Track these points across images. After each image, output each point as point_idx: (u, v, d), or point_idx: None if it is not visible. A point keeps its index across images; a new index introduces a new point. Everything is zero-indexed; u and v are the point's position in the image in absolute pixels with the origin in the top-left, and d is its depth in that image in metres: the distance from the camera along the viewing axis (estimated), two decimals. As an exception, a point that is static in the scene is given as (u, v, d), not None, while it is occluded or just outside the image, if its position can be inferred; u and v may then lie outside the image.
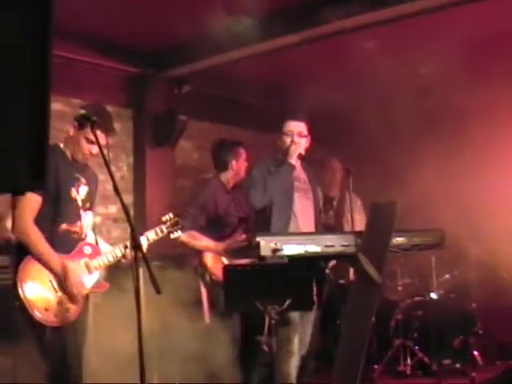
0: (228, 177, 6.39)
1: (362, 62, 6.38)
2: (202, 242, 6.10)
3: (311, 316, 5.78)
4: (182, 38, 6.91)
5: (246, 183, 5.86)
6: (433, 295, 7.70)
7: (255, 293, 4.81)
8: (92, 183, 4.74)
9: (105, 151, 4.18)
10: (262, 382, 6.15)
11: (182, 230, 5.31)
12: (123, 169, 7.53)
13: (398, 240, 4.84)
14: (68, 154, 4.57)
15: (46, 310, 4.25)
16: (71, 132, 4.52)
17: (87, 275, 4.53)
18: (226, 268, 4.87)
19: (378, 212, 4.72)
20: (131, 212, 6.86)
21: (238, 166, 6.41)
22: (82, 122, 4.46)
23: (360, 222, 6.39)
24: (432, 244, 5.26)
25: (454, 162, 6.78)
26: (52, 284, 4.32)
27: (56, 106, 6.67)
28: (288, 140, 5.73)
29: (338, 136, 8.25)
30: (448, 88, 6.79)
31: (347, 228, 6.91)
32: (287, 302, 4.83)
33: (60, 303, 4.33)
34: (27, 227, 4.27)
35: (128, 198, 7.30)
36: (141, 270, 3.88)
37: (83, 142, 4.48)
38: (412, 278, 7.90)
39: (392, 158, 7.02)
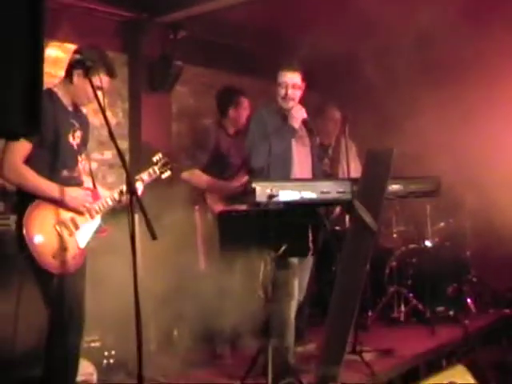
0: (227, 123, 6.57)
1: (361, 8, 6.29)
2: (204, 179, 6.29)
3: (309, 262, 5.80)
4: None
5: (247, 141, 5.78)
6: (427, 243, 7.74)
7: (250, 238, 4.83)
8: (85, 128, 4.72)
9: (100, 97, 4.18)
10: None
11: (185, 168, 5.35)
12: (119, 115, 7.48)
13: (394, 187, 4.86)
14: (64, 99, 4.52)
15: (53, 257, 4.27)
16: (75, 78, 4.45)
17: (89, 220, 4.54)
18: (220, 214, 4.87)
19: (374, 159, 4.72)
20: (127, 158, 6.83)
21: (236, 113, 6.69)
22: (86, 68, 4.40)
23: (355, 169, 6.41)
24: (428, 191, 5.28)
25: (453, 111, 6.74)
26: (57, 231, 4.32)
27: (50, 51, 6.59)
28: (282, 92, 5.68)
29: (336, 83, 8.20)
30: (449, 36, 6.72)
31: (342, 175, 6.90)
32: (283, 248, 4.86)
33: (66, 250, 4.34)
34: (18, 168, 4.24)
35: (123, 144, 7.27)
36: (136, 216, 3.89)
37: (89, 88, 4.42)
38: (407, 225, 7.92)
39: (391, 105, 6.99)
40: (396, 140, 5.59)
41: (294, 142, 5.72)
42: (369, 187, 4.60)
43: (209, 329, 6.04)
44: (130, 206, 3.82)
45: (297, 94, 5.69)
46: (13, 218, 5.18)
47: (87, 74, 4.29)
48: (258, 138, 5.61)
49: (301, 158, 5.76)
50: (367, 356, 5.75)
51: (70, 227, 4.40)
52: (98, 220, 4.61)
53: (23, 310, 4.81)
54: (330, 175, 6.91)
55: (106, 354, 5.49)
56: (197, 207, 6.56)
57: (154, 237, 3.70)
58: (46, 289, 4.34)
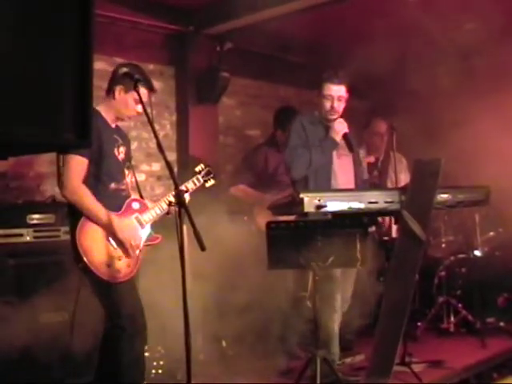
0: (279, 140, 6.60)
1: (406, 18, 6.27)
2: (250, 193, 6.35)
3: (352, 273, 5.79)
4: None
5: (287, 152, 5.79)
6: (477, 253, 7.64)
7: (298, 249, 4.84)
8: (127, 143, 4.86)
9: (148, 110, 4.26)
10: (305, 338, 6.21)
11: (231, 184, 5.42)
12: (166, 127, 7.55)
13: (443, 197, 4.81)
14: (106, 116, 4.66)
15: (108, 266, 4.38)
16: (116, 94, 4.56)
17: (140, 229, 4.62)
18: (269, 225, 4.88)
19: (422, 169, 4.69)
20: (175, 169, 6.89)
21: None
22: (127, 83, 4.53)
23: (405, 181, 6.38)
24: (476, 201, 5.22)
25: (502, 119, 6.66)
26: (109, 241, 4.44)
27: (99, 64, 6.68)
28: (328, 105, 5.68)
29: (383, 94, 8.17)
30: (494, 44, 6.67)
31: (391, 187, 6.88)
32: (331, 259, 4.85)
33: (120, 258, 4.46)
34: (77, 187, 4.38)
35: (171, 156, 7.33)
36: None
37: (132, 103, 4.55)
38: (456, 235, 7.83)
39: (438, 114, 6.95)
40: (444, 148, 5.55)
41: (335, 154, 5.72)
42: (417, 197, 4.57)
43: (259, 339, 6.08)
44: (178, 217, 3.85)
45: (341, 106, 5.69)
46: (63, 229, 5.30)
47: (135, 86, 4.38)
48: (299, 148, 5.62)
49: (342, 170, 5.76)
50: (416, 367, 5.70)
51: None
52: (148, 229, 4.68)
53: (80, 318, 4.91)
54: (379, 186, 6.90)
55: (154, 364, 5.52)
56: (246, 218, 6.62)
57: (202, 248, 3.72)
58: (104, 298, 4.45)
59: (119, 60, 6.80)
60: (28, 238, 5.26)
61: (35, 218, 5.32)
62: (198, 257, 4.00)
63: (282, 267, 5.18)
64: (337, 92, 5.65)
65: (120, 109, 4.63)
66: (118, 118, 4.72)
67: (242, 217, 6.69)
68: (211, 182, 5.21)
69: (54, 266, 5.11)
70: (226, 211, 6.12)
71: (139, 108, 4.60)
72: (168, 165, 3.99)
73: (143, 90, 4.58)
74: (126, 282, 4.47)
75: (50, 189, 6.10)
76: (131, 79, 4.45)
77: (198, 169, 5.14)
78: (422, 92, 6.76)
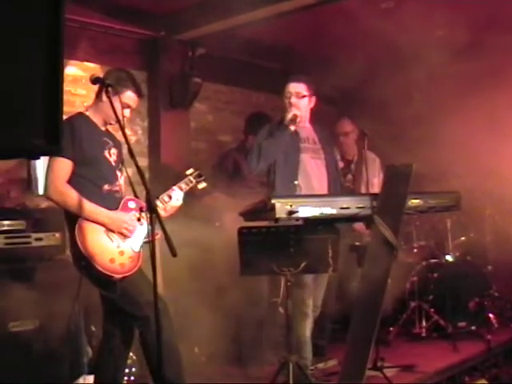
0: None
1: (377, 23, 6.30)
2: (223, 200, 6.34)
3: (324, 278, 5.80)
4: (195, 0, 6.88)
5: (251, 147, 5.89)
6: (448, 257, 7.70)
7: (270, 255, 4.83)
8: (118, 146, 4.85)
9: (120, 115, 4.26)
10: (277, 344, 6.22)
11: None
12: (138, 132, 7.52)
13: (414, 202, 4.83)
14: (95, 119, 4.68)
15: (111, 262, 4.37)
16: (104, 97, 4.52)
17: (139, 226, 4.62)
18: (240, 230, 4.87)
19: (393, 174, 4.71)
20: (146, 175, 6.87)
21: None
22: (117, 88, 4.54)
23: (379, 184, 6.42)
24: (448, 206, 5.25)
25: (473, 125, 6.70)
26: (109, 237, 4.46)
27: (70, 70, 6.65)
28: (286, 101, 5.74)
29: (354, 99, 8.21)
30: (462, 50, 6.73)
31: (365, 190, 6.91)
32: (303, 265, 4.86)
33: (122, 253, 4.46)
34: (61, 188, 4.40)
35: (143, 162, 7.31)
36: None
37: (118, 106, 4.53)
38: (427, 240, 7.88)
39: (409, 120, 6.97)
40: (415, 155, 5.58)
41: (307, 156, 5.73)
42: (389, 202, 4.59)
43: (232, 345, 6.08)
44: (150, 223, 3.84)
45: (300, 102, 5.73)
46: (34, 235, 5.27)
47: (106, 91, 4.37)
48: (256, 144, 5.67)
49: (315, 171, 5.77)
50: (389, 372, 5.72)
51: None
52: (146, 225, 4.66)
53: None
54: (353, 190, 6.92)
55: (126, 371, 5.49)
56: (217, 224, 6.61)
57: (174, 254, 3.71)
58: (109, 293, 4.45)
59: (91, 65, 6.79)
60: (-2, 245, 5.22)
61: (5, 224, 5.28)
62: (170, 262, 4.00)
63: (253, 273, 5.18)
64: (294, 88, 5.72)
65: (107, 112, 4.60)
66: (106, 122, 4.72)
67: (214, 223, 6.69)
68: (203, 185, 5.21)
69: (25, 272, 5.07)
70: (199, 217, 6.12)
71: (126, 112, 4.66)
72: (139, 170, 3.97)
73: (131, 94, 4.66)
74: (131, 276, 4.46)
75: (20, 195, 6.05)
76: (102, 84, 4.42)
77: (189, 172, 5.14)
78: (391, 98, 6.79)
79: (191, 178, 5.11)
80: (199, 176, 5.18)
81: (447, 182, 6.05)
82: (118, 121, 4.19)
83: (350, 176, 7.13)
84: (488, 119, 6.80)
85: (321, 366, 6.09)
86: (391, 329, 7.15)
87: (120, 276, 4.39)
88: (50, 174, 4.42)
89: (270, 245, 4.87)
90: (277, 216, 4.36)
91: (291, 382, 4.82)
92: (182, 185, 5.03)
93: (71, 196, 4.38)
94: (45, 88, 2.08)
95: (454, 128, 6.58)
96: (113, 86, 4.44)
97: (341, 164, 7.01)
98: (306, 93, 5.75)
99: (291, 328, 4.98)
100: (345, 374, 4.71)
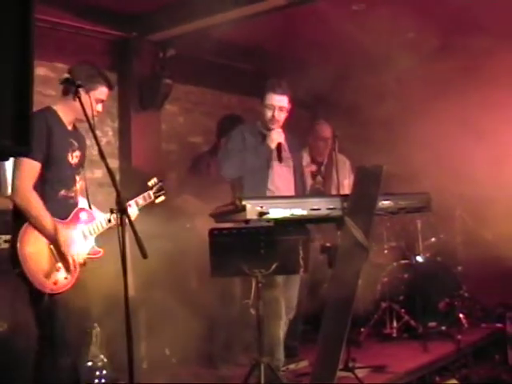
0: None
1: (349, 26, 6.32)
2: (194, 203, 6.33)
3: (296, 279, 5.81)
4: (166, 1, 6.86)
5: (221, 152, 5.85)
6: (419, 258, 7.74)
7: (241, 256, 4.83)
8: (83, 148, 4.76)
9: (90, 116, 4.19)
10: (249, 345, 6.22)
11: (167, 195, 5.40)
12: (109, 133, 7.47)
13: (385, 203, 4.85)
14: (64, 118, 4.55)
15: (45, 277, 4.26)
16: (82, 94, 4.41)
17: (83, 242, 4.53)
18: (211, 232, 4.86)
19: (364, 175, 4.72)
20: (117, 177, 6.83)
21: None
22: (90, 84, 4.48)
23: (349, 185, 6.44)
24: (418, 207, 5.28)
25: (441, 126, 6.74)
26: (51, 250, 4.33)
27: (40, 70, 6.60)
28: (269, 114, 5.73)
29: (325, 101, 8.23)
30: (433, 52, 6.77)
31: (335, 192, 6.93)
32: (274, 266, 4.86)
33: (58, 270, 4.34)
34: (27, 193, 4.27)
35: (114, 163, 7.26)
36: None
37: (93, 103, 4.46)
38: (398, 241, 7.91)
39: (378, 121, 7.00)
40: (384, 156, 5.60)
41: (275, 163, 5.74)
42: (359, 203, 4.60)
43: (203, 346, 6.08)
44: (120, 225, 3.81)
45: (282, 116, 5.76)
46: (4, 237, 5.20)
47: (76, 92, 4.29)
48: (233, 150, 5.65)
49: (283, 179, 5.80)
50: (360, 372, 5.74)
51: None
52: (91, 241, 4.61)
53: (15, 327, 4.83)
54: (323, 192, 6.93)
55: (97, 373, 5.46)
56: (188, 225, 6.60)
57: (144, 256, 3.69)
58: (36, 307, 4.33)
59: (60, 65, 6.73)
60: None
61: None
62: (141, 264, 3.98)
63: (224, 275, 5.18)
64: (278, 102, 5.70)
65: (79, 110, 4.49)
66: (77, 120, 4.60)
67: (185, 224, 6.68)
68: (161, 198, 5.19)
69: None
70: (169, 219, 6.11)
71: (99, 107, 4.59)
72: (110, 172, 3.94)
73: (104, 89, 4.59)
74: (62, 293, 4.35)
75: (-11, 196, 6.00)
76: (73, 85, 4.36)
77: (150, 183, 5.11)
78: (362, 100, 6.81)
79: (151, 192, 5.10)
80: (160, 189, 5.17)
81: (418, 183, 6.07)
82: (89, 123, 4.14)
83: (319, 178, 7.15)
84: (459, 121, 6.84)
85: (292, 366, 6.10)
86: (362, 329, 7.18)
87: (49, 292, 4.29)
88: (18, 176, 4.28)
89: (241, 246, 4.87)
90: (247, 217, 4.36)
91: (262, 382, 4.82)
92: (140, 200, 5.01)
93: (35, 204, 4.26)
94: (14, 88, 2.07)
95: (424, 129, 6.62)
96: (83, 86, 4.37)
97: (312, 167, 7.03)
98: (287, 105, 5.76)
99: (262, 329, 4.98)
100: (316, 375, 4.72)
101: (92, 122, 4.15)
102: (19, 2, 2.06)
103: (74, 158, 4.57)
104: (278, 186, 5.74)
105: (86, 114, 4.17)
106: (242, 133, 5.80)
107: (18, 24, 2.05)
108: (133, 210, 4.83)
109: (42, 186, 4.35)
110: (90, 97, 4.48)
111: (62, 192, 4.46)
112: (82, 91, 4.42)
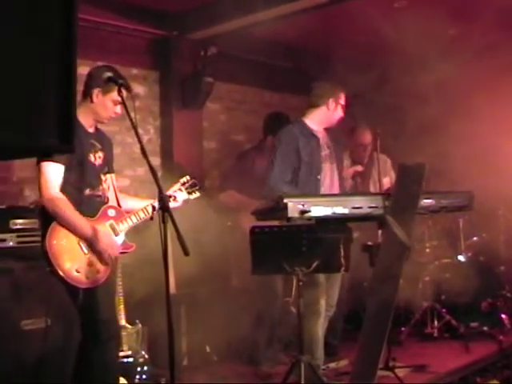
0: (270, 143, 6.62)
1: (391, 23, 6.29)
2: (238, 199, 6.37)
3: (337, 277, 5.79)
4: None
5: (275, 162, 5.72)
6: (461, 258, 7.67)
7: (282, 254, 4.83)
8: (107, 147, 4.78)
9: (132, 114, 4.20)
10: (289, 343, 6.23)
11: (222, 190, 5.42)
12: (150, 132, 7.52)
13: (427, 202, 4.82)
14: (83, 121, 4.57)
15: (78, 271, 4.29)
16: (94, 97, 4.51)
17: (114, 237, 4.57)
18: (253, 230, 4.87)
19: (406, 174, 4.69)
20: (159, 174, 6.88)
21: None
22: (107, 85, 4.50)
23: (389, 183, 6.42)
24: (460, 206, 5.23)
25: (485, 123, 6.68)
26: (81, 246, 4.36)
27: (83, 69, 6.64)
28: (340, 113, 5.73)
29: (366, 99, 8.19)
30: (477, 48, 6.71)
31: (374, 190, 6.90)
32: (315, 264, 4.85)
33: (90, 264, 4.37)
34: (54, 196, 4.30)
35: (155, 161, 7.30)
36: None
37: (110, 105, 4.51)
38: (440, 240, 7.85)
39: (422, 119, 6.95)
40: (428, 153, 5.56)
41: (326, 164, 5.74)
42: (401, 202, 4.58)
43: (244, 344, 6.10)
44: (162, 222, 3.83)
45: None
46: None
47: (119, 90, 4.35)
48: (288, 173, 5.59)
49: (329, 177, 5.77)
50: (400, 372, 5.72)
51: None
52: (122, 237, 4.63)
53: (55, 323, 4.88)
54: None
55: (138, 369, 5.50)
56: (229, 223, 6.63)
57: (186, 253, 3.70)
58: (74, 301, 4.38)
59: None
60: (11, 243, 5.23)
61: (18, 222, 5.29)
62: (182, 262, 4.00)
63: (265, 272, 5.18)
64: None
65: (99, 111, 4.55)
66: (97, 122, 4.65)
67: (227, 221, 6.70)
68: (196, 195, 5.15)
69: (38, 270, 5.06)
70: (213, 214, 6.14)
71: (118, 109, 4.58)
72: (152, 170, 3.97)
73: (123, 92, 4.52)
74: (98, 287, 4.39)
75: (33, 194, 6.06)
76: (115, 84, 4.41)
77: (182, 180, 5.10)
78: (404, 98, 6.77)
79: (183, 188, 5.07)
80: (193, 185, 5.14)
81: (460, 181, 6.03)
82: (131, 121, 4.16)
83: (358, 179, 7.10)
84: (502, 118, 6.78)
85: (332, 365, 6.09)
86: (403, 329, 7.14)
87: (84, 287, 4.32)
88: (43, 180, 4.30)
89: (282, 244, 4.87)
90: (289, 215, 4.35)
91: (303, 381, 4.82)
92: (176, 193, 5.00)
93: (62, 205, 4.29)
94: (58, 88, 2.08)
95: (467, 127, 6.56)
96: (125, 85, 4.43)
97: (358, 167, 6.97)
98: None
99: (303, 328, 4.98)
100: (356, 374, 4.71)
101: (134, 120, 4.17)
102: (63, 3, 2.08)
103: (97, 158, 4.59)
104: (327, 185, 5.72)
105: (128, 113, 4.21)
106: (294, 135, 5.70)
107: (62, 24, 2.07)
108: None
109: (67, 186, 4.38)
110: (106, 99, 4.53)
111: (87, 191, 4.50)
112: (99, 93, 4.49)
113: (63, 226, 4.31)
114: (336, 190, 5.80)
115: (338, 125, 5.88)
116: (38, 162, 4.28)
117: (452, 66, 6.75)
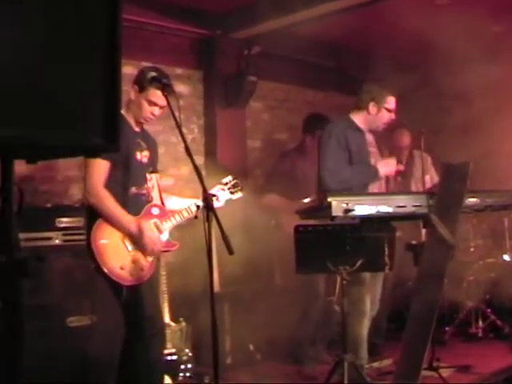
0: (309, 144, 6.61)
1: (433, 20, 6.24)
2: (280, 202, 6.38)
3: (380, 277, 5.77)
4: (251, -1, 6.90)
5: (325, 159, 5.71)
6: (506, 257, 7.59)
7: (326, 253, 4.83)
8: (153, 148, 4.82)
9: (176, 114, 4.23)
10: (333, 342, 6.22)
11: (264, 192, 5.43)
12: (194, 131, 7.56)
13: (471, 201, 4.78)
14: (129, 119, 4.63)
15: (122, 269, 4.34)
16: (132, 95, 4.57)
17: (158, 235, 4.60)
18: (297, 228, 4.87)
19: (450, 172, 4.67)
20: (203, 173, 6.91)
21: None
22: (143, 85, 4.54)
23: (430, 181, 6.38)
24: (505, 205, 5.18)
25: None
26: (125, 244, 4.41)
27: (127, 69, 6.70)
28: (388, 117, 5.71)
29: (408, 97, 8.14)
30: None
31: (415, 189, 6.88)
32: (359, 263, 4.84)
33: (134, 262, 4.41)
34: (99, 192, 4.36)
35: (199, 160, 7.33)
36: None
37: (145, 105, 4.54)
38: (485, 239, 7.78)
39: (465, 117, 6.90)
40: (472, 152, 5.52)
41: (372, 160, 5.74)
42: (445, 201, 4.55)
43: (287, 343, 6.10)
44: (206, 221, 3.85)
45: None
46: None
47: (163, 91, 4.38)
48: (339, 142, 5.58)
49: None
50: (444, 372, 5.68)
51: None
52: (165, 235, 4.66)
53: (101, 320, 4.93)
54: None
55: (182, 367, 5.54)
56: (273, 222, 6.64)
57: (230, 252, 3.72)
58: (118, 298, 4.42)
59: (147, 64, 6.83)
60: (57, 241, 5.30)
61: (64, 221, 5.36)
62: (226, 260, 4.02)
63: (309, 271, 5.19)
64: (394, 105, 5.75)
65: (135, 110, 4.61)
66: (137, 121, 4.68)
67: (270, 221, 6.72)
68: (238, 195, 5.13)
69: (83, 268, 5.13)
70: (255, 215, 6.15)
71: (156, 110, 4.59)
72: (196, 169, 3.99)
73: (156, 92, 4.53)
74: (142, 284, 4.43)
75: (78, 192, 6.13)
76: (159, 83, 4.44)
77: (225, 181, 5.10)
78: (448, 97, 6.73)
79: (225, 188, 5.05)
80: (235, 185, 5.12)
81: (505, 180, 5.97)
82: (175, 120, 4.19)
83: (399, 178, 7.07)
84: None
85: (376, 365, 6.07)
86: (447, 328, 7.09)
87: (128, 284, 4.36)
88: (88, 176, 4.36)
89: (326, 243, 4.87)
90: (333, 214, 4.35)
91: (346, 381, 4.81)
92: (218, 193, 4.96)
93: (109, 202, 4.35)
94: (103, 87, 2.11)
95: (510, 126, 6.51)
96: (170, 85, 4.46)
97: (400, 167, 6.95)
98: None
99: (347, 327, 4.97)
100: (400, 374, 4.69)
101: (179, 119, 4.20)
102: (108, 3, 2.11)
103: (143, 157, 4.64)
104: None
105: (173, 113, 4.24)
106: (342, 131, 5.68)
107: (107, 24, 2.10)
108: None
109: (113, 184, 4.43)
110: (141, 98, 4.57)
111: (133, 189, 4.53)
112: (136, 91, 4.55)
113: (108, 221, 4.37)
114: (382, 189, 5.80)
115: (384, 128, 5.87)
116: (85, 159, 4.33)
117: (496, 64, 6.69)
